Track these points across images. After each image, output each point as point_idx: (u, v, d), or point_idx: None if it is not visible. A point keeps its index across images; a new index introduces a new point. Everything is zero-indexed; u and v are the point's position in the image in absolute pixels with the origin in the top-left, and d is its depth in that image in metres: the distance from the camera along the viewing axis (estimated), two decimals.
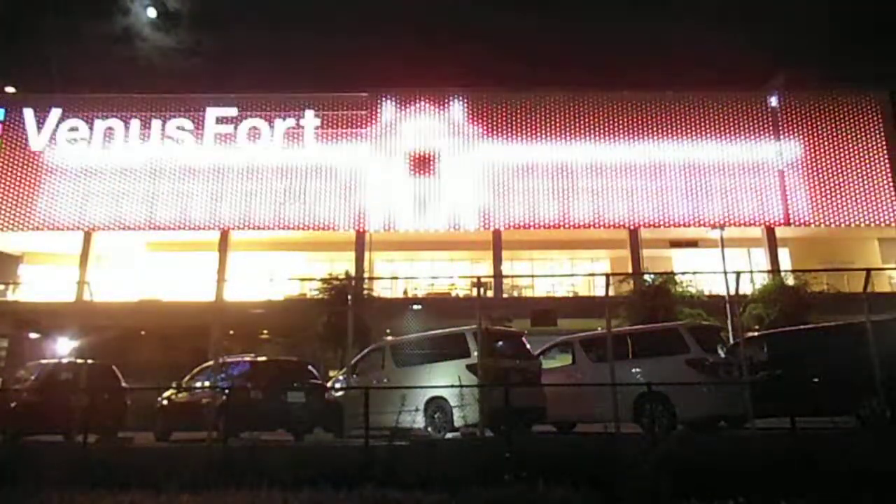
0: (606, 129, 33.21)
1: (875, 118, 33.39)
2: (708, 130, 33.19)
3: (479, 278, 13.88)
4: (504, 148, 32.93)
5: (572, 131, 33.18)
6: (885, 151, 32.82)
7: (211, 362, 12.76)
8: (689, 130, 33.19)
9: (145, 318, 26.74)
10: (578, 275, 33.57)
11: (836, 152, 32.86)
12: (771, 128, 33.34)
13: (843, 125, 33.21)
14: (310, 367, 14.95)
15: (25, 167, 32.28)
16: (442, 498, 6.72)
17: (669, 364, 12.14)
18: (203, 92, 33.83)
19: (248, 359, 14.37)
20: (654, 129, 33.20)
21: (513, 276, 33.75)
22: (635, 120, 33.33)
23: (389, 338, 18.76)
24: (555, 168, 32.63)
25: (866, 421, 11.11)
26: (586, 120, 33.34)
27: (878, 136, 33.12)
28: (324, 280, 25.07)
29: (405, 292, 32.43)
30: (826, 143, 33.00)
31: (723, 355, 12.72)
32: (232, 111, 33.26)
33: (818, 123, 33.28)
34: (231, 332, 24.45)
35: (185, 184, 32.22)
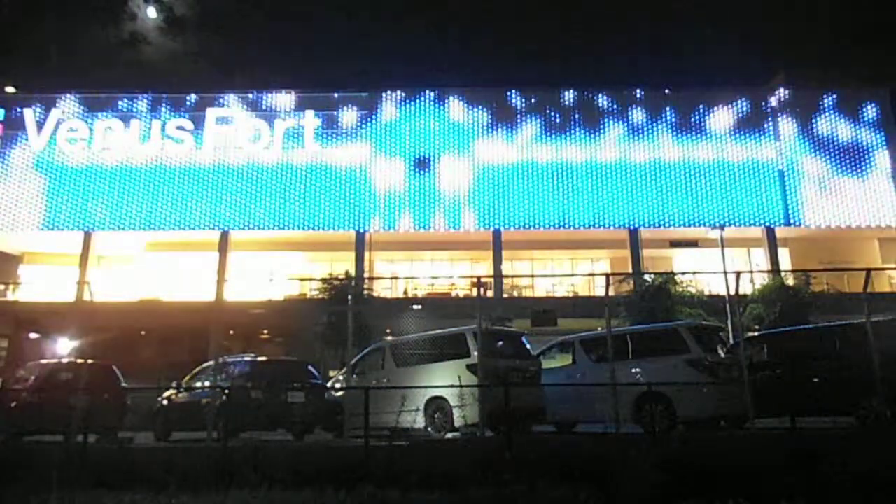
0: (606, 128, 33.23)
1: (875, 118, 33.44)
2: (708, 130, 33.23)
3: (479, 278, 13.86)
4: (504, 147, 32.95)
5: (572, 130, 33.21)
6: (885, 151, 32.87)
7: (211, 362, 12.75)
8: (689, 130, 33.21)
9: (145, 318, 26.74)
10: (578, 275, 33.59)
11: (837, 152, 32.89)
12: (771, 128, 33.38)
13: (843, 125, 33.25)
14: (310, 367, 14.93)
15: (25, 167, 32.29)
16: (442, 498, 6.71)
17: (669, 364, 12.12)
18: (203, 92, 33.85)
19: (248, 359, 14.36)
20: (655, 128, 33.23)
21: (513, 276, 33.76)
22: (635, 119, 33.37)
23: (389, 338, 18.76)
24: (554, 168, 32.65)
25: (866, 421, 11.10)
26: (586, 119, 33.36)
27: (878, 136, 33.16)
28: (324, 280, 25.07)
29: (405, 292, 32.44)
30: (826, 143, 33.03)
31: (723, 355, 12.71)
32: (232, 111, 33.28)
33: (818, 123, 33.30)
34: (231, 332, 24.41)
35: (185, 184, 32.24)
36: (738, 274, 12.49)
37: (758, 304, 23.95)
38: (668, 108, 33.48)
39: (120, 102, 33.44)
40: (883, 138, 33.09)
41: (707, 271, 29.73)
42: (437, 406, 12.23)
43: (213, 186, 32.25)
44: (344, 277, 25.59)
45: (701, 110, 33.49)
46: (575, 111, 33.51)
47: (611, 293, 14.22)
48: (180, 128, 33.03)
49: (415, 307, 27.04)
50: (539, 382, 12.80)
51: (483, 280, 27.35)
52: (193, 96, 33.64)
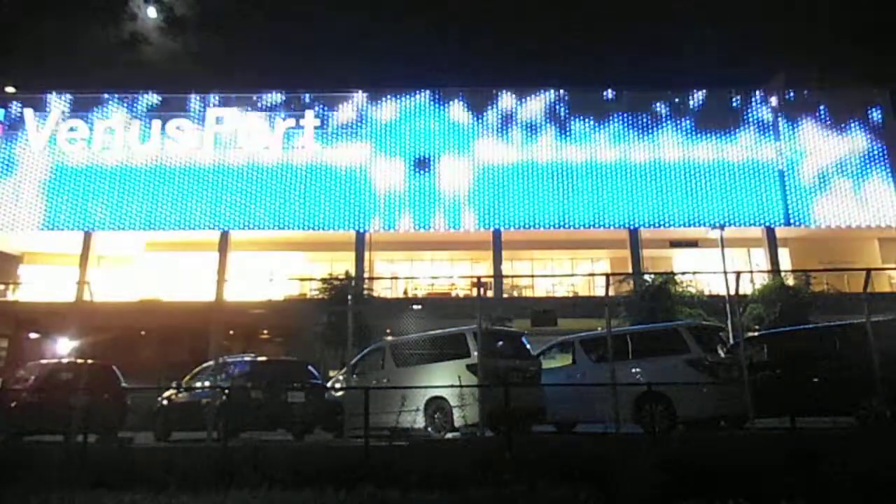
0: (606, 128, 33.24)
1: (875, 118, 33.45)
2: (708, 130, 33.23)
3: (479, 278, 13.87)
4: (504, 147, 32.95)
5: (572, 131, 33.22)
6: (884, 151, 32.87)
7: (211, 362, 12.75)
8: (689, 130, 33.22)
9: (145, 318, 26.74)
10: (578, 275, 33.60)
11: (837, 152, 32.90)
12: (771, 128, 33.38)
13: (843, 125, 33.26)
14: (310, 367, 14.93)
15: (25, 167, 32.30)
16: (442, 498, 6.71)
17: (669, 364, 12.12)
18: (203, 92, 33.86)
19: (248, 359, 14.35)
20: (655, 128, 33.24)
21: (513, 276, 33.77)
22: (635, 119, 33.38)
23: (389, 338, 18.76)
24: (554, 168, 32.66)
25: (866, 421, 11.10)
26: (586, 119, 33.37)
27: (878, 136, 33.17)
28: (324, 280, 25.07)
29: (405, 292, 32.45)
30: (826, 143, 33.04)
31: (723, 355, 12.71)
32: (232, 111, 33.29)
33: (818, 123, 33.32)
34: (231, 332, 24.40)
35: (185, 184, 32.24)
36: (738, 274, 12.50)
37: (758, 304, 23.95)
38: (668, 108, 33.50)
39: (120, 102, 33.45)
40: (883, 138, 33.08)
41: (707, 271, 29.73)
42: (437, 406, 12.23)
43: (213, 186, 32.25)
44: (344, 277, 25.59)
45: (701, 110, 33.50)
46: (575, 111, 33.52)
47: (611, 293, 14.22)
48: (180, 128, 33.03)
49: (415, 307, 27.03)
50: (539, 382, 12.81)
51: (483, 280, 27.36)
52: (193, 96, 33.65)
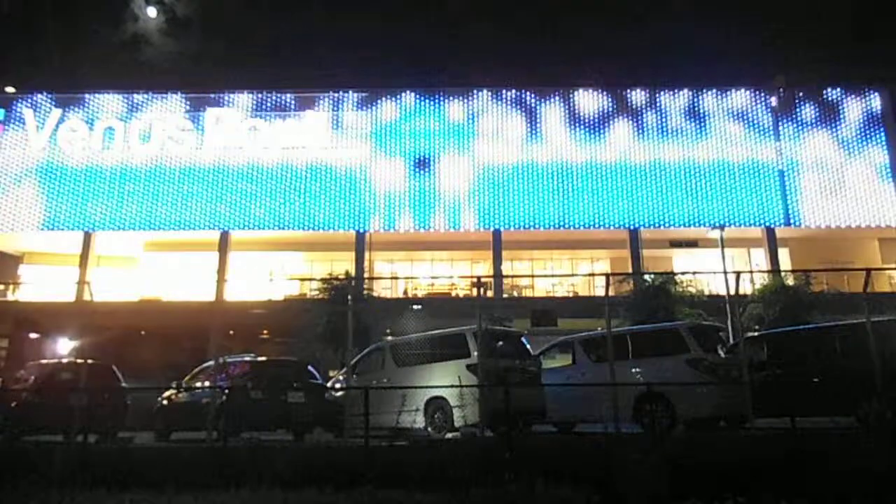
0: (607, 128, 33.22)
1: (875, 118, 33.44)
2: (708, 130, 33.22)
3: (479, 278, 13.87)
4: (504, 147, 32.93)
5: (572, 131, 33.20)
6: (885, 151, 32.87)
7: (211, 362, 12.74)
8: (689, 130, 33.21)
9: (145, 318, 26.75)
10: (578, 275, 33.60)
11: (836, 152, 32.89)
12: (771, 128, 33.38)
13: (843, 125, 33.26)
14: (310, 367, 14.92)
15: (25, 167, 32.30)
16: (442, 498, 6.71)
17: (669, 364, 12.13)
18: (203, 92, 33.86)
19: (248, 359, 14.34)
20: (655, 128, 33.23)
21: (513, 276, 33.77)
22: (636, 119, 33.36)
23: (389, 338, 18.76)
24: (554, 168, 32.65)
25: (866, 421, 11.09)
26: (586, 119, 33.36)
27: (878, 136, 33.16)
28: (324, 280, 25.07)
29: (405, 292, 32.45)
30: (826, 143, 33.03)
31: (723, 355, 12.71)
32: (232, 111, 33.29)
33: (818, 123, 33.31)
34: (231, 332, 24.40)
35: (185, 184, 32.24)
36: (738, 274, 12.49)
37: (758, 304, 23.91)
38: (668, 108, 33.48)
39: (120, 102, 33.46)
40: (883, 138, 33.07)
41: (707, 271, 29.73)
42: (437, 406, 12.23)
43: (213, 186, 32.25)
44: (344, 277, 25.59)
45: (701, 110, 33.50)
46: (575, 111, 33.51)
47: (611, 293, 14.21)
48: (180, 128, 33.03)
49: (415, 307, 27.02)
50: (539, 382, 12.81)
51: (483, 280, 27.36)
52: (193, 96, 33.65)
